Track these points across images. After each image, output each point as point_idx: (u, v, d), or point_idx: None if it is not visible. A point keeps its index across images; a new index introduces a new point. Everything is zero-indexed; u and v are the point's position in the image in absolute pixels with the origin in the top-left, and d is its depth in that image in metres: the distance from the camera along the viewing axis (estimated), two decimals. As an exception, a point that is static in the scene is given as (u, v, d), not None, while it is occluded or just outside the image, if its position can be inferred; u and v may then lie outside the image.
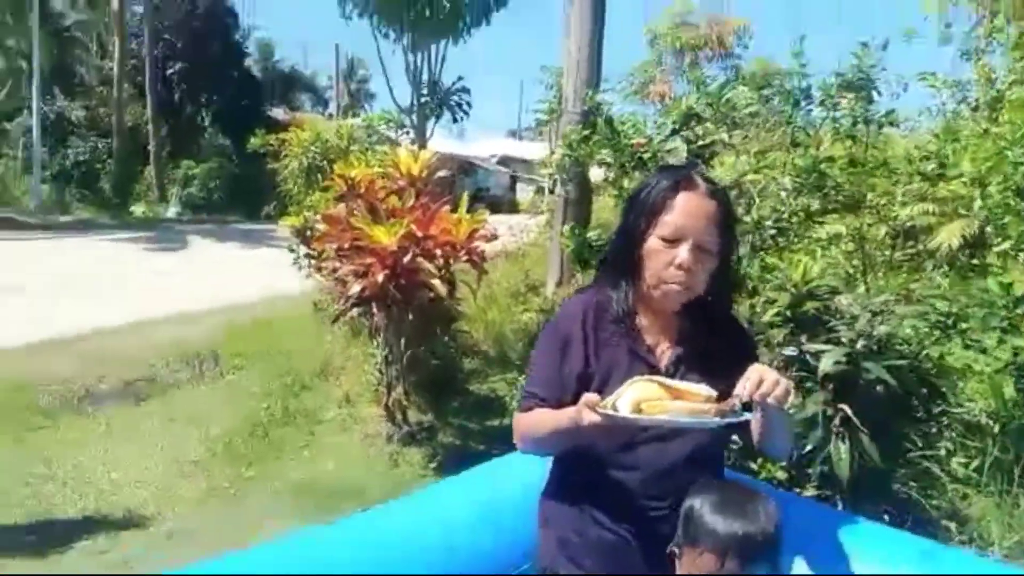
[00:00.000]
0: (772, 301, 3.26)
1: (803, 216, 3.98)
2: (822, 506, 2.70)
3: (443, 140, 20.32)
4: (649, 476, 1.81)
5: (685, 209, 1.79)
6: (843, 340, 3.01)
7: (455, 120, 16.82)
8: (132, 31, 24.20)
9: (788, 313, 3.19)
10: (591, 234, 4.20)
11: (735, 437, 1.99)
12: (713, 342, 1.85)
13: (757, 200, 3.97)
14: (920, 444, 3.03)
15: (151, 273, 12.02)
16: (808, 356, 3.08)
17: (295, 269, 6.77)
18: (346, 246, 4.30)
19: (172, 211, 21.75)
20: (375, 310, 4.41)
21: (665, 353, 1.86)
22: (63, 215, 19.77)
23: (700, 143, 4.18)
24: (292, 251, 6.81)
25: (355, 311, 4.44)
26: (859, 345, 2.98)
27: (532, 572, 1.97)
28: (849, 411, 2.92)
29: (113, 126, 22.96)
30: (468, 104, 16.95)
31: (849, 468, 2.89)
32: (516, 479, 2.17)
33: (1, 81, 24.56)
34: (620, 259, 1.89)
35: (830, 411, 2.97)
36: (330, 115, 27.53)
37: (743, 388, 1.64)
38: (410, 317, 4.66)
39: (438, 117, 15.88)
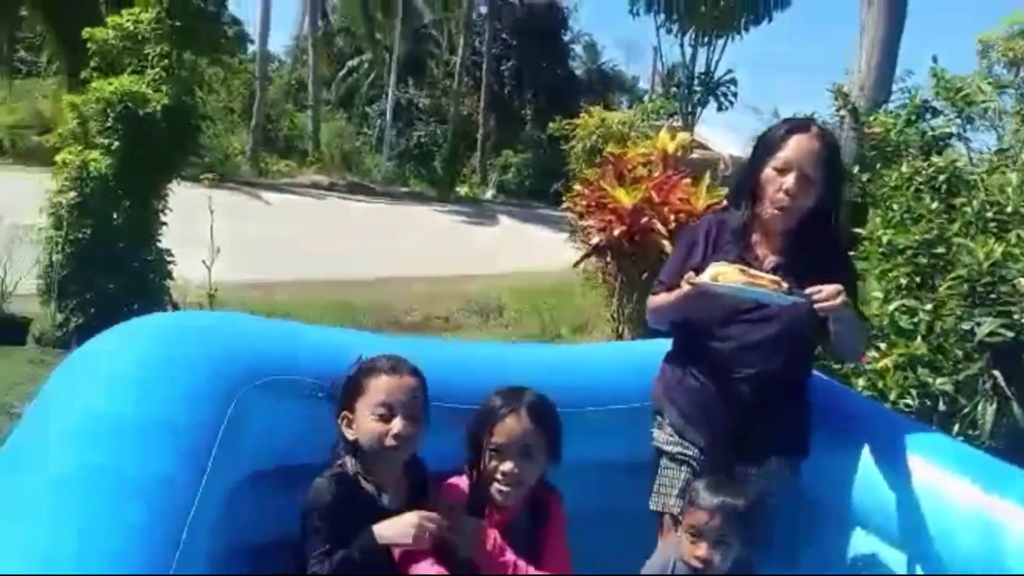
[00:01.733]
0: (956, 277, 3.48)
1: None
2: (895, 415, 3.00)
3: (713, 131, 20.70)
4: (737, 348, 2.36)
5: (795, 146, 2.31)
6: (1011, 313, 3.19)
7: (719, 108, 17.75)
8: (476, 30, 27.04)
9: (965, 288, 3.40)
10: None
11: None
12: (811, 262, 2.34)
13: (982, 191, 4.09)
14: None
15: (463, 240, 13.86)
16: (975, 327, 3.28)
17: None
18: (593, 204, 5.07)
19: (489, 193, 24.12)
20: (609, 258, 5.13)
21: (766, 262, 2.39)
22: (401, 187, 22.87)
23: (932, 133, 4.36)
24: (571, 226, 7.74)
25: (594, 259, 5.18)
26: (1017, 318, 3.14)
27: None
28: (1000, 377, 3.10)
29: (450, 114, 25.92)
30: (734, 95, 17.68)
31: (991, 427, 3.08)
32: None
33: (367, 71, 28.81)
34: (743, 186, 2.45)
35: (985, 378, 3.17)
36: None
37: (808, 289, 2.15)
38: (643, 277, 5.31)
39: (704, 105, 16.84)
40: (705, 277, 2.16)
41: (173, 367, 1.85)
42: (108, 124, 5.10)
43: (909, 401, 3.55)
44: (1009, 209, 4.01)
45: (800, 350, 2.42)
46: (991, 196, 4.04)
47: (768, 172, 2.34)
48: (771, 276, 2.18)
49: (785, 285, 2.16)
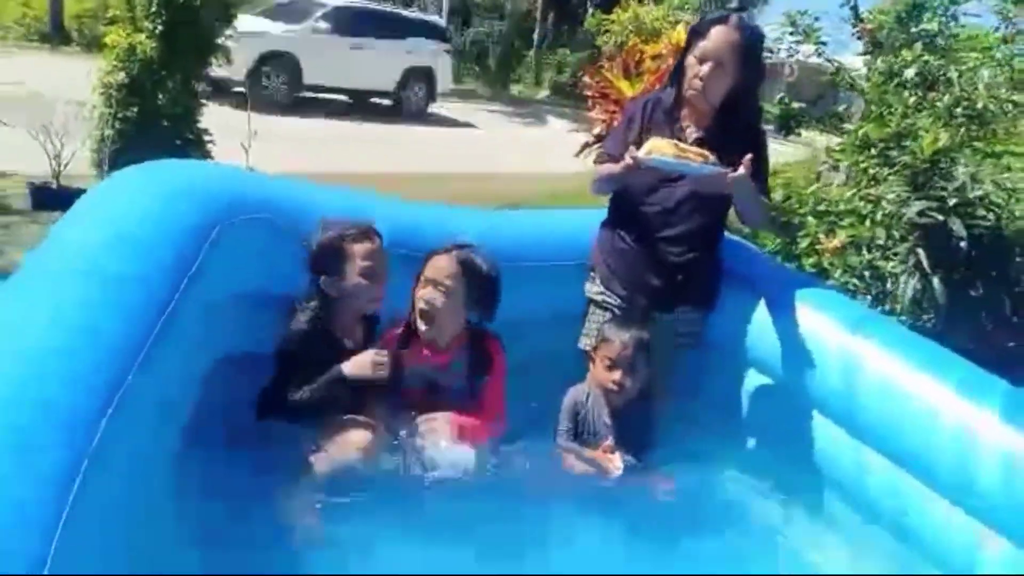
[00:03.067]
0: (903, 163, 3.74)
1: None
2: (793, 272, 3.44)
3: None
4: (660, 211, 2.75)
5: (713, 37, 2.64)
6: (944, 198, 3.47)
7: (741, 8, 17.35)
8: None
9: (908, 174, 3.67)
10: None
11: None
12: (729, 136, 2.69)
13: (956, 87, 4.28)
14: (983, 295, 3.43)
15: (507, 140, 14.14)
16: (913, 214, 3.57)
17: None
18: (598, 95, 5.35)
19: (543, 94, 24.04)
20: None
21: (690, 135, 2.75)
22: (455, 84, 22.96)
23: (915, 30, 4.52)
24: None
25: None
26: (950, 203, 3.42)
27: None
28: (922, 255, 3.42)
29: (507, 10, 25.64)
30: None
31: (910, 302, 3.42)
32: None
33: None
34: (674, 70, 2.79)
35: (910, 256, 3.49)
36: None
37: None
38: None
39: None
40: (642, 151, 2.53)
41: (165, 203, 2.31)
42: (152, 8, 5.53)
43: (856, 281, 3.90)
44: (979, 105, 4.21)
45: (713, 213, 2.80)
46: (963, 92, 4.24)
47: (690, 58, 2.68)
48: (697, 150, 2.55)
49: (712, 157, 2.53)
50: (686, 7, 8.27)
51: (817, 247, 4.01)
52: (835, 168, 4.61)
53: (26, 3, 18.12)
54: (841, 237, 3.92)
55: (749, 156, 2.49)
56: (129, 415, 1.58)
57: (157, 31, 5.54)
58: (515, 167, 10.99)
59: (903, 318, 3.55)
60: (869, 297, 3.80)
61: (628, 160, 2.57)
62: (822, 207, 4.29)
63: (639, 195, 2.80)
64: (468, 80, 24.12)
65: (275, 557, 1.95)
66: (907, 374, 2.41)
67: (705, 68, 2.64)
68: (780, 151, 4.79)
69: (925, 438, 2.28)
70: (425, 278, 2.46)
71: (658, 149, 2.52)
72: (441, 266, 2.45)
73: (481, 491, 2.29)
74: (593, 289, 2.94)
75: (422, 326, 2.48)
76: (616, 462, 2.46)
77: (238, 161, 5.30)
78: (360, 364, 2.33)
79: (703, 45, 2.66)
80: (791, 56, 5.19)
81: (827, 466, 2.64)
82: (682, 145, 2.57)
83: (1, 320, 1.74)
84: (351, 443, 2.22)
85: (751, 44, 2.69)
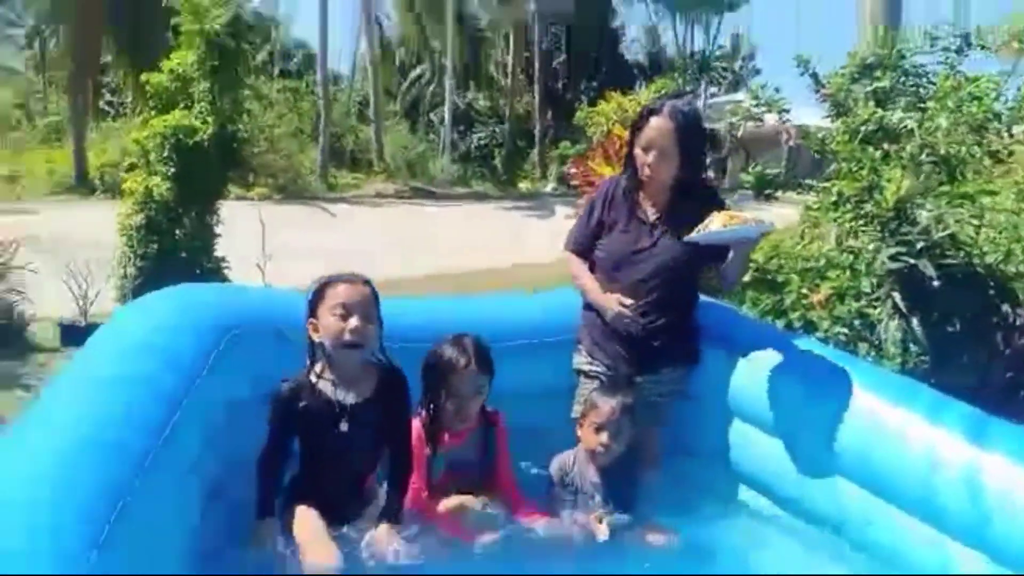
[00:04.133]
0: (870, 215, 3.93)
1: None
2: (772, 328, 3.62)
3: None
4: (628, 284, 2.96)
5: (653, 127, 2.89)
6: (912, 243, 3.64)
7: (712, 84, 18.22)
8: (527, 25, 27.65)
9: (876, 224, 3.86)
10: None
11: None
12: (686, 206, 2.91)
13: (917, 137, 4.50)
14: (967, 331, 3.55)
15: (517, 232, 14.56)
16: (885, 259, 3.74)
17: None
18: (583, 183, 5.65)
19: (549, 186, 24.71)
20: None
21: (650, 212, 2.98)
22: (463, 188, 23.74)
23: (870, 88, 4.78)
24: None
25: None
26: (918, 246, 3.59)
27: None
28: (897, 298, 3.57)
29: (506, 114, 26.65)
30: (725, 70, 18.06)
31: (897, 344, 3.55)
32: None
33: (429, 80, 29.81)
34: (627, 157, 3.04)
35: (888, 300, 3.64)
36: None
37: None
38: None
39: (698, 83, 17.33)
40: (700, 227, 2.73)
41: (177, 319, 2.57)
42: (165, 154, 5.97)
43: (845, 331, 4.03)
44: (942, 151, 4.42)
45: (680, 279, 3.00)
46: (925, 140, 4.46)
47: (637, 149, 2.94)
48: (745, 215, 2.78)
49: (765, 220, 2.77)
50: (662, 91, 8.66)
51: (803, 302, 4.16)
52: (815, 226, 4.80)
53: (50, 159, 19.21)
54: (825, 290, 4.08)
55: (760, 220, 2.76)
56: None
57: (170, 174, 5.96)
58: (528, 256, 11.30)
59: (893, 363, 3.68)
60: (864, 345, 3.93)
61: (617, 308, 2.90)
62: (808, 264, 4.46)
63: (610, 271, 3.02)
64: (477, 183, 24.93)
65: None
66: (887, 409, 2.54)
67: (650, 157, 2.90)
68: (782, 214, 5.04)
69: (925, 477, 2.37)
70: (456, 392, 2.64)
71: (715, 220, 2.72)
72: (468, 377, 2.62)
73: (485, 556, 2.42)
74: (581, 360, 3.12)
75: (458, 425, 2.69)
76: (603, 529, 2.60)
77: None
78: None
79: (645, 136, 2.92)
80: (785, 122, 5.42)
81: (815, 509, 2.75)
82: (733, 212, 2.80)
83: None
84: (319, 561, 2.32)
85: (687, 126, 2.93)
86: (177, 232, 6.02)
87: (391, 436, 2.57)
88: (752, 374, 2.93)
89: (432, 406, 2.68)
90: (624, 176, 3.10)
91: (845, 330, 3.98)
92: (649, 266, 2.96)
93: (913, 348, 3.63)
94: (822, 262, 4.28)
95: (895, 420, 2.48)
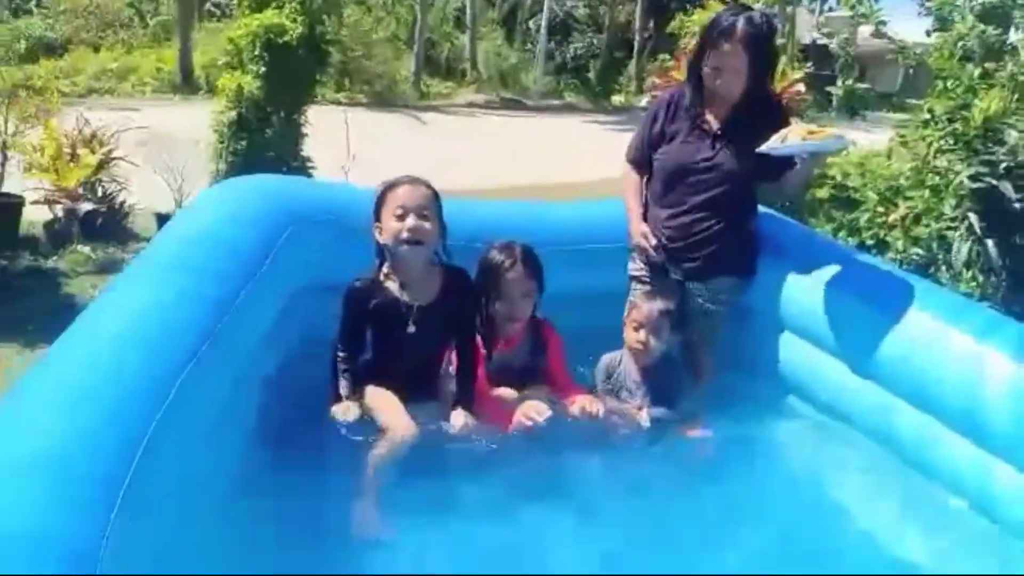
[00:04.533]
0: (956, 132, 3.77)
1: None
2: (829, 241, 3.57)
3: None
4: (687, 190, 2.98)
5: (724, 51, 2.83)
6: (995, 163, 3.49)
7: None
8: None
9: (962, 143, 3.70)
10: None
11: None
12: (749, 119, 2.88)
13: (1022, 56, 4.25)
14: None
15: (602, 147, 14.35)
16: (965, 179, 3.61)
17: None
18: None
19: (644, 101, 24.06)
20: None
21: (712, 124, 2.96)
22: (555, 99, 23.37)
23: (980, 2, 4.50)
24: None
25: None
26: (1002, 167, 3.44)
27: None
28: (974, 218, 3.45)
29: (605, 23, 25.86)
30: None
31: (965, 265, 3.45)
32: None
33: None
34: (693, 68, 3.00)
35: (963, 220, 3.52)
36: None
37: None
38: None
39: None
40: (776, 140, 2.71)
41: (248, 206, 2.74)
42: (256, 52, 6.12)
43: (919, 251, 3.93)
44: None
45: (737, 191, 2.99)
46: (1025, 59, 4.20)
47: (706, 69, 2.91)
48: (825, 130, 2.76)
49: (840, 133, 2.74)
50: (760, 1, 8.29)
51: (878, 220, 4.06)
52: (904, 144, 4.62)
53: (160, 59, 19.82)
54: (902, 209, 3.97)
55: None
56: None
57: (260, 72, 6.12)
58: (608, 171, 11.16)
59: (967, 286, 3.58)
60: (942, 267, 3.83)
61: (642, 240, 3.00)
62: (890, 183, 4.33)
63: (669, 180, 3.02)
64: (570, 95, 24.50)
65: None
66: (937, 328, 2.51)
67: (719, 78, 2.85)
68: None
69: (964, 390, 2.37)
70: (509, 295, 2.72)
71: (794, 133, 2.70)
72: (516, 280, 2.71)
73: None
74: (633, 267, 3.17)
75: (509, 328, 2.79)
76: (643, 415, 2.69)
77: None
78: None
79: (714, 57, 2.85)
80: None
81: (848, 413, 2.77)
82: (812, 127, 2.79)
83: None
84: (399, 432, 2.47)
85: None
86: (267, 131, 6.21)
87: (459, 332, 2.69)
88: (805, 288, 2.92)
89: (484, 310, 2.77)
90: (688, 86, 3.06)
91: (919, 251, 3.89)
92: (708, 177, 2.94)
93: (990, 271, 3.53)
94: (904, 181, 4.15)
95: (945, 337, 2.45)
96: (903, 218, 3.91)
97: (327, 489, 2.35)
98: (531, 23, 28.96)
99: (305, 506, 2.20)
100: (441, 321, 2.62)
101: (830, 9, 25.79)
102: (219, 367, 2.05)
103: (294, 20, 6.24)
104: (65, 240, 5.45)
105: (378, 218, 2.55)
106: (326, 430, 2.51)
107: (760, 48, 2.85)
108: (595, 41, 26.37)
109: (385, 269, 2.61)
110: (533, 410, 2.58)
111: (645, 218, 3.12)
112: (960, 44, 4.18)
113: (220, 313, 2.17)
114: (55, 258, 5.22)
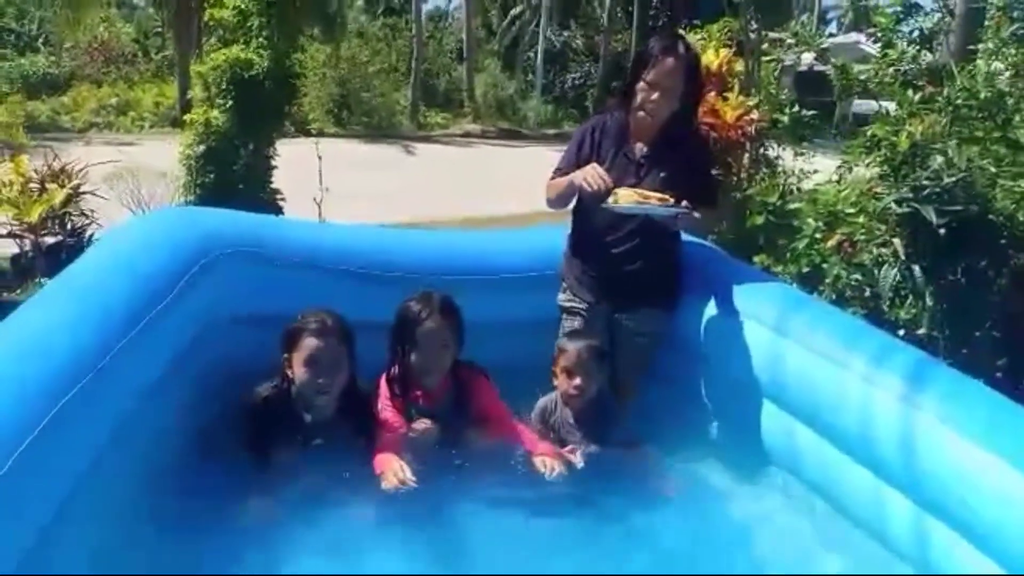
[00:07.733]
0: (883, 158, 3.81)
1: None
2: (755, 271, 3.61)
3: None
4: (613, 222, 2.97)
5: (666, 67, 2.86)
6: (921, 188, 3.52)
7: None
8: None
9: (887, 169, 3.73)
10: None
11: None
12: (674, 152, 2.94)
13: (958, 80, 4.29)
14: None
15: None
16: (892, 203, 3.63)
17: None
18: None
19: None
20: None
21: (637, 151, 3.00)
22: (552, 129, 23.57)
23: (918, 25, 4.56)
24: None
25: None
26: (925, 192, 3.46)
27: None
28: (898, 244, 3.47)
29: (601, 52, 26.12)
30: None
31: (892, 290, 3.47)
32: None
33: (529, 18, 29.52)
34: (623, 94, 3.03)
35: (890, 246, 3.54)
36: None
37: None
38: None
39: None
40: (609, 200, 2.79)
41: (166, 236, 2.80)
42: (223, 86, 6.23)
43: (858, 276, 3.94)
44: (982, 96, 4.20)
45: (657, 229, 3.01)
46: (964, 85, 4.24)
47: (641, 84, 2.92)
48: (657, 195, 2.79)
49: (671, 200, 2.77)
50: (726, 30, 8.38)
51: (815, 247, 4.08)
52: (850, 170, 4.65)
53: (161, 93, 20.15)
54: (837, 236, 3.99)
55: (685, 203, 2.76)
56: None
57: (228, 106, 6.23)
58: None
59: (895, 312, 3.60)
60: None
61: (589, 174, 2.86)
62: (832, 209, 4.35)
63: (594, 209, 3.05)
64: (569, 124, 24.71)
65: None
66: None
67: (655, 94, 2.88)
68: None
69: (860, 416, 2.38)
70: (425, 347, 2.68)
71: (624, 198, 2.77)
72: (433, 330, 2.67)
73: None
74: (562, 297, 3.19)
75: (432, 384, 2.75)
76: (576, 457, 2.74)
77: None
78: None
79: (654, 73, 2.88)
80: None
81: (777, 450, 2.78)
82: (643, 192, 2.81)
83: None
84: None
85: (696, 68, 2.93)
86: (236, 164, 6.30)
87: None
88: (722, 316, 2.95)
89: (401, 361, 2.73)
90: (610, 115, 3.11)
91: (859, 277, 3.90)
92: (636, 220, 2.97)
93: (914, 297, 3.53)
94: (849, 207, 4.17)
95: (845, 362, 2.47)
96: (839, 244, 3.92)
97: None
98: (531, 53, 29.30)
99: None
100: (344, 436, 2.64)
101: (831, 35, 26.05)
102: (106, 395, 2.09)
103: (260, 55, 6.35)
104: (30, 273, 5.53)
105: (288, 351, 2.57)
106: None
107: (694, 73, 2.92)
108: (592, 71, 26.62)
109: (292, 391, 2.61)
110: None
111: (572, 250, 3.16)
112: (893, 69, 4.22)
113: (116, 340, 2.21)
114: (19, 291, 5.30)
